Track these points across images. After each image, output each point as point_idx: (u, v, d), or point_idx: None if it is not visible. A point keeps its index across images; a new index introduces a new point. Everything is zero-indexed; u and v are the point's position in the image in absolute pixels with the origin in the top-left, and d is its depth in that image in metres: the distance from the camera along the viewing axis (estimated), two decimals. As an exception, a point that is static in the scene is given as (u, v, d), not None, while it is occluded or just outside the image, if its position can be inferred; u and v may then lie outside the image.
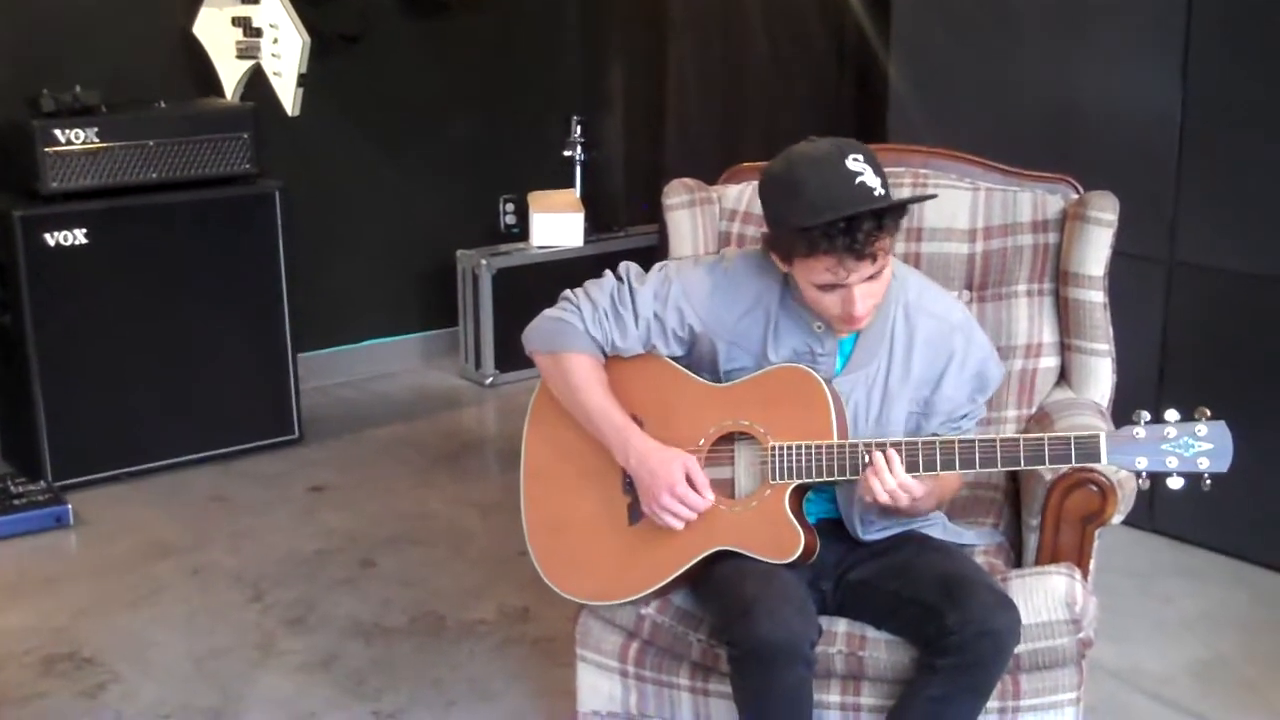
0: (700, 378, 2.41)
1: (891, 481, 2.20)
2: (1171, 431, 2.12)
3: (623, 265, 2.46)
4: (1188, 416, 2.13)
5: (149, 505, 4.08)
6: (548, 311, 2.47)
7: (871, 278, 2.22)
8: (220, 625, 3.37)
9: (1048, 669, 2.34)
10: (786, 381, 2.32)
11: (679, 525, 2.32)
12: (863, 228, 2.13)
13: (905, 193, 2.73)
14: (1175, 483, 2.13)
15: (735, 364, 2.39)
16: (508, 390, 5.06)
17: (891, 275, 2.29)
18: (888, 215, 2.16)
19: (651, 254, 4.62)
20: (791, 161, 2.21)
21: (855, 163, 2.16)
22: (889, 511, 2.29)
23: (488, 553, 3.74)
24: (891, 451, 2.21)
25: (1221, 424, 2.11)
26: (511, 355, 4.98)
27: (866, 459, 2.22)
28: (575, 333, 2.41)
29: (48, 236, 4.01)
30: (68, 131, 4.01)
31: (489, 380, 5.12)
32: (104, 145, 4.07)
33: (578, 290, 2.46)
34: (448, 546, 3.80)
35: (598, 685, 2.55)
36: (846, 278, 2.19)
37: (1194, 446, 2.11)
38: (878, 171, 2.19)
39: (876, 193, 2.16)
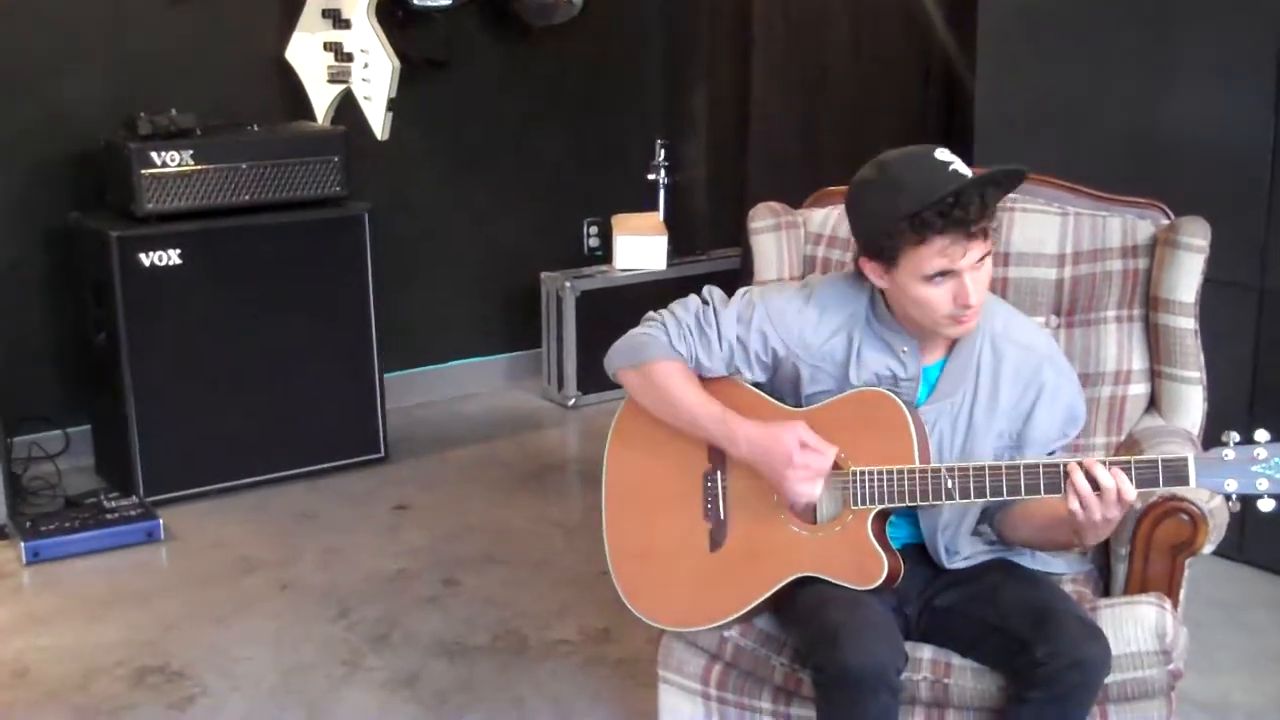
0: (782, 403, 2.41)
1: (1105, 503, 2.13)
2: (1262, 453, 2.09)
3: (706, 288, 2.47)
4: (1278, 437, 2.10)
5: (238, 521, 4.14)
6: (632, 330, 2.48)
7: (979, 262, 2.22)
8: (306, 641, 3.42)
9: (1137, 700, 2.31)
10: (867, 405, 2.32)
11: (814, 493, 2.29)
12: (972, 202, 2.15)
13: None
14: (1266, 505, 2.10)
15: (818, 387, 2.39)
16: (589, 412, 5.08)
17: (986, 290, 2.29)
18: (990, 188, 2.19)
19: (734, 277, 4.63)
20: (883, 164, 2.25)
21: (944, 154, 2.21)
22: (1077, 533, 2.21)
23: (570, 573, 3.76)
24: (1118, 470, 2.14)
25: None
26: (594, 377, 5.00)
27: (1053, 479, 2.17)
28: (661, 345, 2.42)
29: (143, 257, 4.09)
30: (163, 154, 4.09)
31: (571, 402, 5.15)
32: (198, 168, 4.14)
33: (661, 310, 2.47)
34: (530, 566, 3.83)
35: (679, 707, 2.55)
36: (960, 259, 2.19)
37: (1285, 468, 2.07)
38: (965, 164, 2.21)
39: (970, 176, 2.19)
